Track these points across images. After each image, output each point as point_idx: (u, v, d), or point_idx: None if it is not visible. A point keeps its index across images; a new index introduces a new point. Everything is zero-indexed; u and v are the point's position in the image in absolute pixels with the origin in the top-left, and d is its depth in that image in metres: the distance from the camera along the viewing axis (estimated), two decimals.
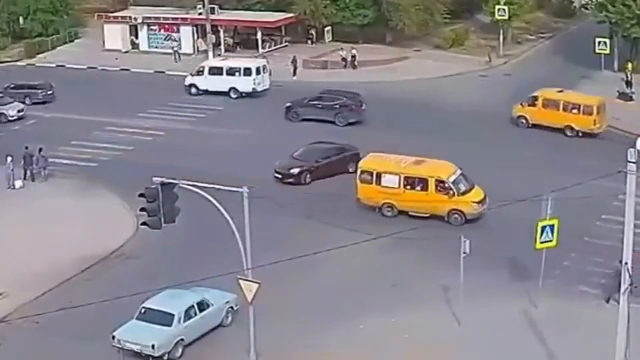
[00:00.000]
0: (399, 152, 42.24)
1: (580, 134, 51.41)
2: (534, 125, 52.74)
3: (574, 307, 32.11)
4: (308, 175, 44.24)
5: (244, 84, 59.49)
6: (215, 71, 60.40)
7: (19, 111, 56.30)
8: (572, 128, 51.58)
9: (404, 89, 61.04)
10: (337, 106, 54.06)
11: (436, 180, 39.33)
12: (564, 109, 51.91)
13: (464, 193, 39.35)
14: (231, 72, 60.16)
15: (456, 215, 39.06)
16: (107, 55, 71.78)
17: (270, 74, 61.13)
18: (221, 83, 59.72)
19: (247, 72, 59.79)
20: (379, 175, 40.24)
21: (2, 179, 44.39)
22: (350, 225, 36.66)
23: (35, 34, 74.96)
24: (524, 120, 53.22)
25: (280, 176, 44.17)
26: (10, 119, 55.77)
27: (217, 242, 34.69)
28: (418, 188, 39.57)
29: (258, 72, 60.12)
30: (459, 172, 39.99)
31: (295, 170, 44.10)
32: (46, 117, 56.00)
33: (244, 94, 59.40)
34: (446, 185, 39.18)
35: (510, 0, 69.66)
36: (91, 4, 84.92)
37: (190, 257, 36.43)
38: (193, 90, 60.43)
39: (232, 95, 59.49)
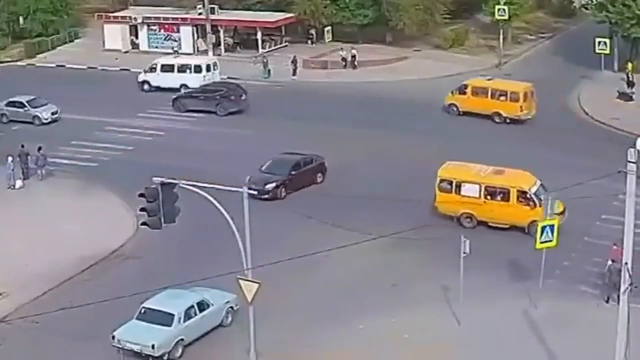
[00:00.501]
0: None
1: (507, 121, 53.11)
2: (465, 113, 54.23)
3: (574, 307, 32.11)
4: (284, 189, 42.74)
5: (194, 81, 60.36)
6: (167, 68, 61.63)
7: (53, 113, 55.26)
8: (500, 115, 53.43)
9: (404, 89, 61.04)
10: (218, 97, 56.23)
11: (518, 190, 37.86)
12: (492, 96, 53.75)
13: None
14: (182, 69, 61.47)
15: None
16: (107, 55, 71.77)
17: (220, 72, 62.47)
18: (173, 80, 60.79)
19: (198, 69, 61.20)
20: (458, 185, 38.87)
21: (2, 179, 44.40)
22: (350, 225, 36.65)
23: (35, 34, 74.94)
24: (454, 108, 55.02)
25: (255, 192, 41.46)
26: (44, 121, 54.76)
27: (217, 242, 34.74)
28: (499, 198, 38.21)
29: (208, 69, 61.45)
30: (538, 182, 38.62)
31: (271, 185, 42.28)
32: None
33: None
34: (528, 196, 37.71)
35: (510, 0, 69.61)
36: (91, 4, 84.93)
37: (190, 257, 36.44)
38: (146, 86, 61.48)
39: (183, 91, 60.24)
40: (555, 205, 37.48)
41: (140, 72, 62.47)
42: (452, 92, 55.56)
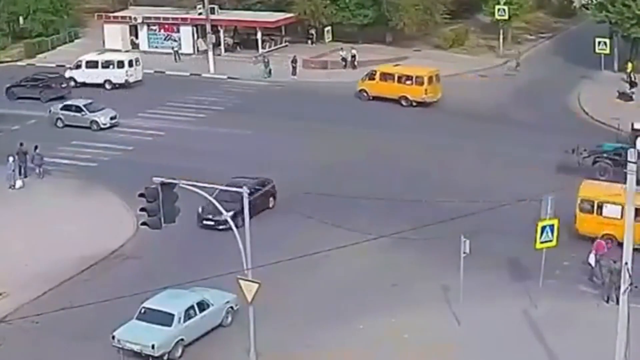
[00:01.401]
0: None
1: (414, 104, 56.26)
2: (374, 98, 57.05)
3: (574, 307, 32.10)
4: (241, 217, 36.92)
5: (118, 76, 63.03)
6: (92, 64, 63.80)
7: (112, 118, 53.74)
8: (406, 98, 56.69)
9: None
10: (41, 85, 60.03)
11: None
12: (399, 81, 57.02)
13: None
14: (106, 65, 63.68)
15: None
16: None
17: (142, 67, 64.67)
18: (97, 76, 63.06)
19: (120, 64, 63.55)
20: (600, 205, 36.72)
21: (2, 179, 44.41)
22: (350, 225, 36.63)
23: (35, 34, 74.95)
24: (365, 94, 58.13)
25: (212, 223, 38.50)
26: (103, 126, 53.25)
27: (217, 242, 34.71)
28: None
29: (130, 64, 63.79)
30: None
31: (230, 214, 36.47)
32: (46, 117, 55.89)
33: (117, 85, 62.70)
34: None
35: (510, 0, 69.71)
36: (91, 4, 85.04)
37: (190, 257, 36.43)
38: (72, 83, 62.70)
39: (107, 86, 62.58)
40: None
41: (66, 69, 64.42)
42: (362, 79, 58.64)
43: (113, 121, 54.12)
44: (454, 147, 48.55)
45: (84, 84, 62.42)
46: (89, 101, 55.28)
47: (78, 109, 54.20)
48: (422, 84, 56.49)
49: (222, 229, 36.88)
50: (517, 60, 66.83)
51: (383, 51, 70.93)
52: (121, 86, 62.54)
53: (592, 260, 33.72)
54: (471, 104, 57.08)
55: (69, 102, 55.00)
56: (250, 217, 37.28)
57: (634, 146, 44.10)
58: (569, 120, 54.93)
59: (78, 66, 63.54)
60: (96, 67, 63.16)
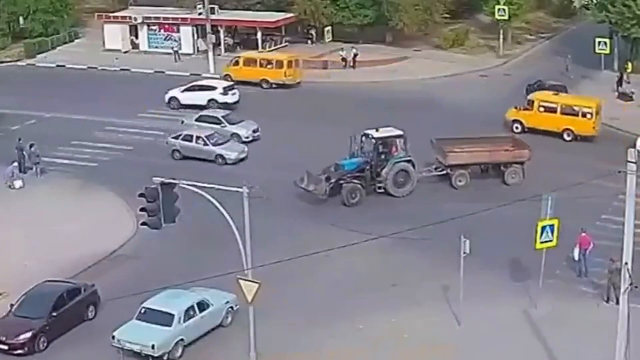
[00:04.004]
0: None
1: (274, 86, 60.97)
2: (238, 82, 59.82)
3: (574, 307, 32.15)
4: (44, 338, 30.58)
5: None
6: None
7: (254, 131, 49.71)
8: (267, 81, 61.23)
9: (404, 89, 61.09)
10: None
11: None
12: (261, 65, 61.83)
13: None
14: None
15: None
16: (107, 55, 71.73)
17: None
18: None
19: None
20: None
21: (2, 179, 44.43)
22: (350, 225, 36.66)
23: (35, 34, 74.92)
24: (229, 78, 61.61)
25: (5, 347, 30.19)
26: (245, 140, 48.88)
27: (217, 242, 34.73)
28: None
29: None
30: None
31: (26, 336, 30.22)
32: (46, 117, 55.93)
33: None
34: None
35: (510, 0, 69.73)
36: (91, 4, 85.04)
37: (190, 257, 36.44)
38: None
39: None
40: None
41: None
42: (227, 65, 63.31)
43: (255, 134, 49.87)
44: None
45: None
46: (227, 112, 51.89)
47: (216, 120, 50.24)
48: (281, 67, 60.86)
49: (18, 354, 30.19)
50: (567, 63, 65.29)
51: (383, 51, 70.93)
52: None
53: (575, 254, 34.00)
54: (471, 103, 57.02)
55: (204, 113, 51.19)
56: (60, 335, 31.22)
57: (379, 156, 41.94)
58: None
59: None
60: None
